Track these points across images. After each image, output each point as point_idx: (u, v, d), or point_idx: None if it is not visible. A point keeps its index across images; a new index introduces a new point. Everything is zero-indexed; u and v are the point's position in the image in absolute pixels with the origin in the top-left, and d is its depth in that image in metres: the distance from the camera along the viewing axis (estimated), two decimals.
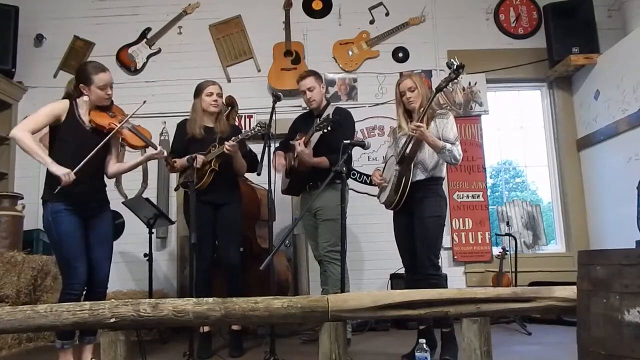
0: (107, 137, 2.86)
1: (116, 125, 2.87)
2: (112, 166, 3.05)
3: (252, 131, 3.25)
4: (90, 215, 2.90)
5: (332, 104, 3.80)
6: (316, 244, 3.64)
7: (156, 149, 3.01)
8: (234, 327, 3.47)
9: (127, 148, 3.13)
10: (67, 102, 2.90)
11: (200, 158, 3.28)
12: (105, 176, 3.05)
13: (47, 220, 2.81)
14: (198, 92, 3.52)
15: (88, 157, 2.76)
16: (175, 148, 3.56)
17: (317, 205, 3.49)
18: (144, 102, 3.03)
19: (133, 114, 2.96)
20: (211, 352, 3.37)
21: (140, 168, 4.89)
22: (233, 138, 3.29)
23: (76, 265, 2.78)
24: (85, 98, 2.91)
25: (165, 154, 3.14)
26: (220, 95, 3.51)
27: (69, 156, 2.78)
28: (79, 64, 3.09)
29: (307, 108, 3.81)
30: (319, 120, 3.32)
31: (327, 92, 5.00)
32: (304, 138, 3.43)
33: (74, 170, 2.71)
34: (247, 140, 3.41)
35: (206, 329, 3.42)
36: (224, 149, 3.26)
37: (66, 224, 2.79)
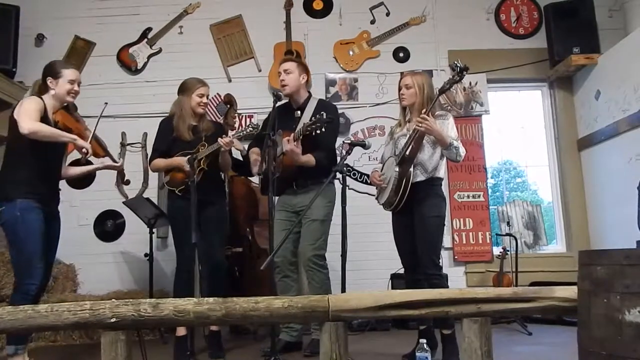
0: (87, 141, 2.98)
1: (83, 132, 3.03)
2: (66, 169, 3.14)
3: (245, 131, 3.24)
4: (49, 215, 2.88)
5: (313, 97, 3.53)
6: (290, 246, 3.33)
7: (113, 160, 3.22)
8: (213, 328, 3.37)
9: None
10: (41, 100, 2.87)
11: (184, 159, 3.23)
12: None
13: (12, 217, 2.72)
14: (187, 89, 3.43)
15: (93, 131, 3.05)
16: (158, 147, 3.44)
17: (304, 206, 3.18)
18: (106, 103, 3.25)
19: (98, 122, 3.13)
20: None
21: (141, 168, 4.90)
22: (231, 134, 3.24)
23: (37, 266, 2.73)
24: (52, 92, 2.90)
25: (122, 167, 3.30)
26: (208, 97, 3.47)
27: (40, 155, 2.81)
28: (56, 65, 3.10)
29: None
30: (312, 120, 3.05)
31: (328, 92, 5.01)
32: (293, 135, 3.13)
33: (89, 140, 2.93)
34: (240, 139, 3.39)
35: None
36: (222, 144, 3.18)
37: (35, 221, 2.75)
